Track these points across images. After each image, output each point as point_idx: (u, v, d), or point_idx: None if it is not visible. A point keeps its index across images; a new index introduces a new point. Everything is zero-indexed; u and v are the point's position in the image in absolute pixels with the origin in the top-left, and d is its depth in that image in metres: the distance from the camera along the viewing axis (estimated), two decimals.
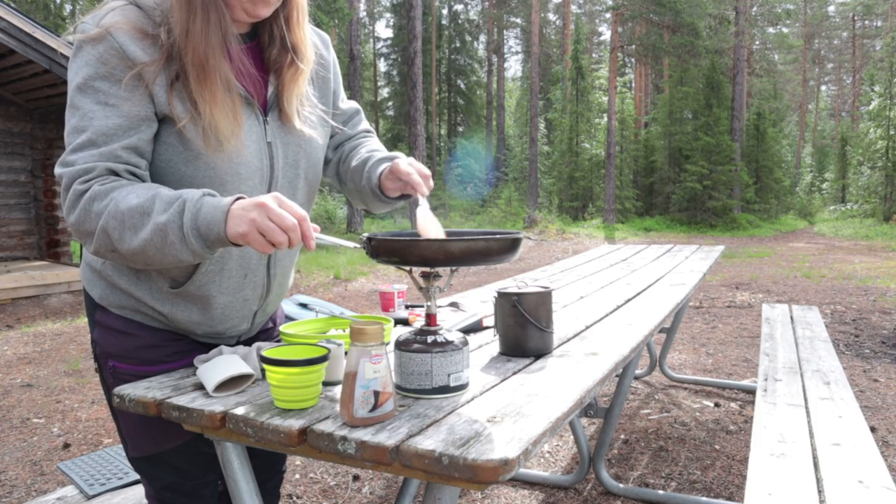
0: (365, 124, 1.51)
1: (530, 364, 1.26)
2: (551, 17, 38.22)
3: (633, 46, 24.53)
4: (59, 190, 1.09)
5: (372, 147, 1.42)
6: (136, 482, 2.03)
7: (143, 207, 1.01)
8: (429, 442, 0.85)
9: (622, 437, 3.16)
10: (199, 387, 1.11)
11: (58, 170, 1.08)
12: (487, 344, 1.45)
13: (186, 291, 1.20)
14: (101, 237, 1.04)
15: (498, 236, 1.04)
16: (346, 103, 1.46)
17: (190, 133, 1.11)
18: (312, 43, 1.28)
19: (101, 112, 1.06)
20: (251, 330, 1.38)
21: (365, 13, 32.84)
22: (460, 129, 34.61)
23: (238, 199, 1.01)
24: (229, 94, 1.11)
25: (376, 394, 0.91)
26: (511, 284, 1.73)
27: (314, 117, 1.29)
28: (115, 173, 1.07)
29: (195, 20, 1.07)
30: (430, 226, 1.15)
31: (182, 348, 1.27)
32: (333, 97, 1.40)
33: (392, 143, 28.41)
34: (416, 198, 1.22)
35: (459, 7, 34.66)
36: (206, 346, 1.31)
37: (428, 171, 1.26)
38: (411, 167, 1.24)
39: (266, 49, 1.23)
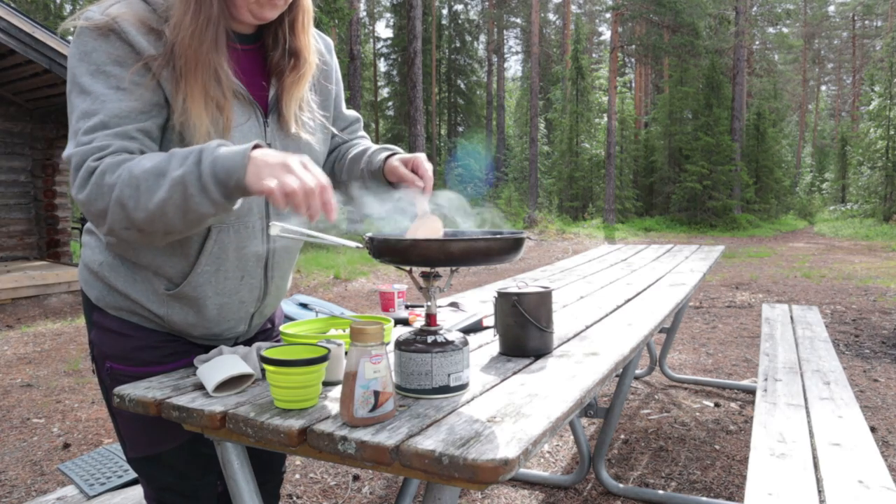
0: (362, 133, 1.52)
1: (530, 364, 1.26)
2: (551, 17, 38.21)
3: (633, 46, 24.54)
4: (69, 172, 1.05)
5: (369, 144, 1.44)
6: (135, 481, 2.03)
7: (159, 168, 0.98)
8: (429, 442, 0.85)
9: (622, 437, 3.16)
10: (199, 387, 1.10)
11: (68, 151, 1.04)
12: (487, 344, 1.45)
13: (182, 293, 1.20)
14: (115, 210, 1.00)
15: (499, 236, 1.04)
16: (348, 111, 1.48)
17: (187, 131, 1.10)
18: (316, 48, 1.28)
19: (113, 95, 1.05)
20: (248, 332, 1.38)
21: (365, 13, 32.79)
22: (460, 129, 34.57)
23: (256, 145, 0.98)
24: (219, 89, 1.10)
25: (376, 394, 0.91)
26: (511, 284, 1.73)
27: (314, 122, 1.29)
28: (129, 152, 1.04)
29: (188, 13, 1.07)
30: (428, 223, 1.16)
31: (179, 349, 1.27)
32: (335, 101, 1.41)
33: (392, 143, 28.18)
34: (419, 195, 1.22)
35: (459, 7, 34.62)
36: (202, 347, 1.30)
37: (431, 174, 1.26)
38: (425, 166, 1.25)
39: (269, 52, 1.23)
